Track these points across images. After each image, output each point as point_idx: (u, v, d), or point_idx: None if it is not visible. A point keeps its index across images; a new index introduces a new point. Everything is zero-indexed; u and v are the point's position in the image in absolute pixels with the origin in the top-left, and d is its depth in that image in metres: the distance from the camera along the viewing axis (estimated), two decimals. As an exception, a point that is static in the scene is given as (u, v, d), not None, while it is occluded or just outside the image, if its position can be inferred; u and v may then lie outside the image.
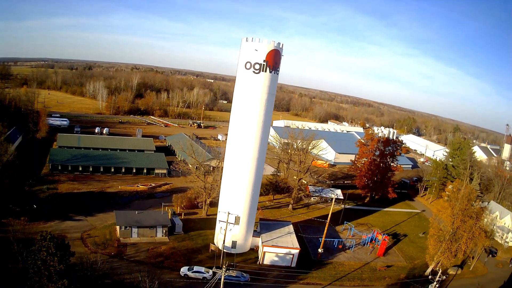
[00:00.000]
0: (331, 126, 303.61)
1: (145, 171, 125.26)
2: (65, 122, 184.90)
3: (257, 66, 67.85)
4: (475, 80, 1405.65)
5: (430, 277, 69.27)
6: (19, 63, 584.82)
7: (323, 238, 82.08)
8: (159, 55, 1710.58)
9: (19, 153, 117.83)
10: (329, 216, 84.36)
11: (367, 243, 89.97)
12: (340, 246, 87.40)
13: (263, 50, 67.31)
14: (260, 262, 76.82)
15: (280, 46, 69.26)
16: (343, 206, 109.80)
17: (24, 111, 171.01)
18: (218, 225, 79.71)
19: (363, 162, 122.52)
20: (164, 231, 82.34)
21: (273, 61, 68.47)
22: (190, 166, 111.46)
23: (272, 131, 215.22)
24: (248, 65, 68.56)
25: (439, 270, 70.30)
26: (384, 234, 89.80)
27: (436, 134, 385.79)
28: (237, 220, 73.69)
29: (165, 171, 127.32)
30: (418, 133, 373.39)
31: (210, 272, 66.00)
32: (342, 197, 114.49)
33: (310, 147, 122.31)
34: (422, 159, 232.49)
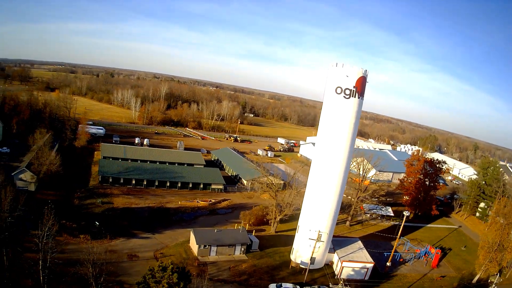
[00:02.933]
0: (359, 143, 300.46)
1: (201, 186, 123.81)
2: (101, 131, 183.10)
3: (347, 92, 71.67)
4: (488, 97, 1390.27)
5: (489, 281, 79.19)
6: (36, 65, 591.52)
7: (392, 253, 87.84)
8: (177, 64, 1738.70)
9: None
10: (400, 231, 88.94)
11: (421, 257, 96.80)
12: (401, 260, 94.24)
13: (353, 76, 71.31)
14: (338, 277, 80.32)
15: (366, 73, 73.28)
16: (392, 222, 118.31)
17: (61, 117, 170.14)
18: (296, 242, 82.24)
19: (410, 181, 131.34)
20: (242, 249, 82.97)
21: (361, 87, 72.68)
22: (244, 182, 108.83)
23: (312, 147, 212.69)
24: (339, 90, 72.10)
25: (496, 275, 78.84)
26: (436, 248, 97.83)
27: (458, 152, 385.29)
28: (319, 237, 76.00)
29: (221, 187, 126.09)
30: (440, 151, 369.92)
31: None
32: (392, 214, 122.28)
33: (369, 168, 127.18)
34: (449, 178, 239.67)
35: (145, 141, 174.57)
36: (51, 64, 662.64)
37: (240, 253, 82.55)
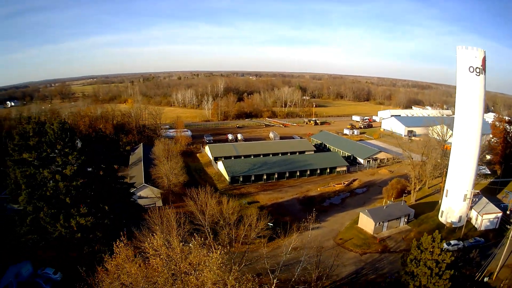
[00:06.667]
0: (419, 112, 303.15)
1: (328, 170, 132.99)
2: (188, 133, 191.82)
3: (478, 70, 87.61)
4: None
5: None
6: (67, 83, 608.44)
7: (510, 203, 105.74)
8: (211, 59, 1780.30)
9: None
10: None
11: None
12: None
13: (479, 56, 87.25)
14: (479, 228, 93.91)
15: (485, 54, 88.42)
16: (489, 180, 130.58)
17: (151, 126, 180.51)
18: (444, 204, 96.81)
19: (496, 141, 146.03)
20: (405, 220, 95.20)
21: (484, 65, 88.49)
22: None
23: (394, 121, 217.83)
24: (471, 69, 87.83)
25: None
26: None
27: (506, 110, 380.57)
28: (465, 197, 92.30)
29: (345, 168, 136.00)
30: (489, 110, 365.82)
31: (461, 243, 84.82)
32: (489, 172, 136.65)
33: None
34: None
35: (239, 136, 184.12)
36: (82, 79, 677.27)
37: (403, 224, 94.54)
